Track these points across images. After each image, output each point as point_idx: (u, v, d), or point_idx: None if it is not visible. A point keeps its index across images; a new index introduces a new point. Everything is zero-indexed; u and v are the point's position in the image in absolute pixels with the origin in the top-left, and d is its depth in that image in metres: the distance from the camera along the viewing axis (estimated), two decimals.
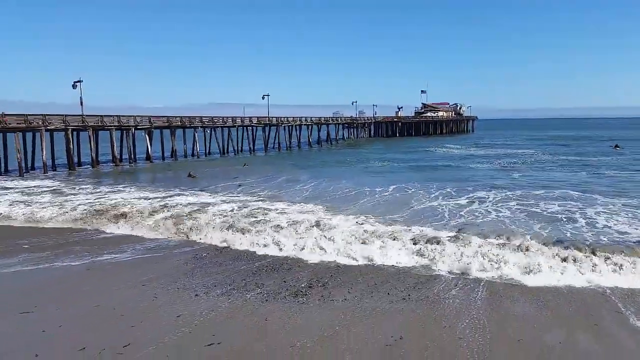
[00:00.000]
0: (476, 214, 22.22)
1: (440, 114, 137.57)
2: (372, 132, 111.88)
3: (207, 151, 67.26)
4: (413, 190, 30.18)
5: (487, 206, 23.88)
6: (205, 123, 65.67)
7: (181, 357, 9.38)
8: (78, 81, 53.06)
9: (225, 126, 69.17)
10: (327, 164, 52.81)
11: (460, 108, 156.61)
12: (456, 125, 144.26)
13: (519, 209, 22.96)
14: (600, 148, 69.37)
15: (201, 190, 31.48)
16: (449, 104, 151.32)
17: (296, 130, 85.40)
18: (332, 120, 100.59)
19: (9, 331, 10.74)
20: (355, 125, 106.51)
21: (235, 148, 71.02)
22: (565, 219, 20.45)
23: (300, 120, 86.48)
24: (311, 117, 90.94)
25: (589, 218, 20.55)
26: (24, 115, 44.70)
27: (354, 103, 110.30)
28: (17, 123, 43.91)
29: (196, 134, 64.48)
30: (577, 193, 27.24)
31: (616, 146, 74.42)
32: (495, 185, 31.63)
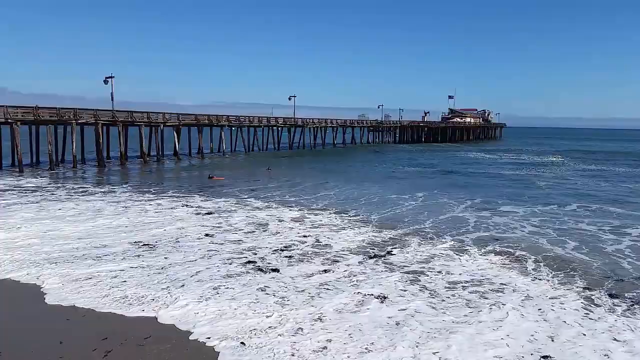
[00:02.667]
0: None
1: (468, 120, 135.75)
2: (398, 136, 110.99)
3: (233, 149, 67.87)
4: (465, 207, 29.72)
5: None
6: (232, 122, 66.16)
7: None
8: (110, 77, 53.96)
9: (252, 125, 69.60)
10: (354, 168, 52.51)
11: (488, 115, 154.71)
12: (484, 132, 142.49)
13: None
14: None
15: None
16: (476, 110, 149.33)
17: (321, 132, 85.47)
18: (357, 123, 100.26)
19: None
20: (380, 129, 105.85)
21: (260, 147, 71.44)
22: None
23: (325, 122, 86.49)
24: (337, 119, 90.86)
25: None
26: (56, 108, 45.61)
27: (380, 107, 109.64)
28: (50, 116, 44.85)
29: (222, 133, 65.01)
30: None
31: None
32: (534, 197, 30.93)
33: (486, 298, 12.65)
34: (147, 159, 53.13)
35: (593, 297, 12.82)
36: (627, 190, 35.99)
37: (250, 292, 12.85)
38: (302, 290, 13.03)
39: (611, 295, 12.97)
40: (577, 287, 13.66)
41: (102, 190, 32.17)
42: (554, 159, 71.81)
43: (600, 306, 12.15)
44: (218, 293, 12.74)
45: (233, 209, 25.65)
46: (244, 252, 17.10)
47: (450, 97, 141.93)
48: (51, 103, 49.85)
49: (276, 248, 17.60)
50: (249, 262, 15.76)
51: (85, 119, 47.32)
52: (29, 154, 47.60)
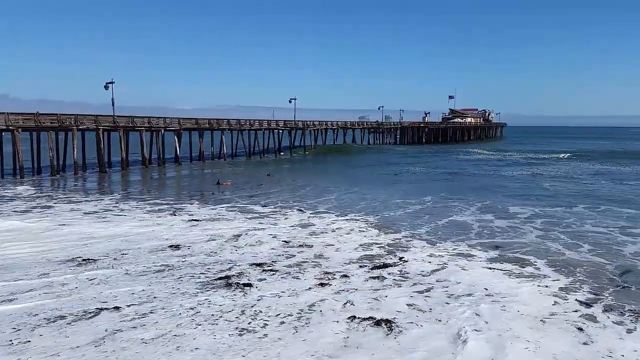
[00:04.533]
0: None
1: (469, 120, 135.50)
2: (399, 137, 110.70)
3: (234, 153, 67.58)
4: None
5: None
6: (233, 126, 65.90)
7: None
8: (110, 82, 53.71)
9: (252, 129, 69.31)
10: (356, 170, 52.26)
11: (488, 114, 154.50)
12: (484, 131, 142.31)
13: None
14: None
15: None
16: (477, 110, 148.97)
17: (322, 134, 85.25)
18: (357, 125, 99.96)
19: None
20: (381, 130, 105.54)
21: (261, 150, 71.20)
22: None
23: (326, 124, 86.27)
24: (337, 122, 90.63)
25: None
26: (56, 114, 45.38)
27: (381, 108, 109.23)
28: (51, 122, 44.60)
29: (223, 137, 64.73)
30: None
31: None
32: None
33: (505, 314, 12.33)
34: (148, 164, 52.91)
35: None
36: (633, 189, 35.71)
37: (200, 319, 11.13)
38: (280, 317, 11.24)
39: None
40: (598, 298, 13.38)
41: (86, 198, 31.08)
42: (560, 157, 71.68)
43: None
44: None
45: (228, 216, 25.27)
46: (218, 265, 15.77)
47: (450, 97, 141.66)
48: (53, 109, 49.46)
49: (260, 261, 16.12)
50: (220, 278, 14.34)
51: (86, 124, 47.10)
52: (30, 161, 47.33)
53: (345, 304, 12.35)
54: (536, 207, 27.29)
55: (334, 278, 14.49)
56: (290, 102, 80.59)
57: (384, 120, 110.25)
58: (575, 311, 12.04)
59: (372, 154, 77.49)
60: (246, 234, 20.54)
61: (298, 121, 78.93)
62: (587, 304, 12.52)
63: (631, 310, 12.06)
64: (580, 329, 10.90)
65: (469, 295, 13.10)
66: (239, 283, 13.96)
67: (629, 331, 10.89)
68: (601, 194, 33.52)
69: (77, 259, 16.29)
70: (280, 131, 75.87)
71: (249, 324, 11.07)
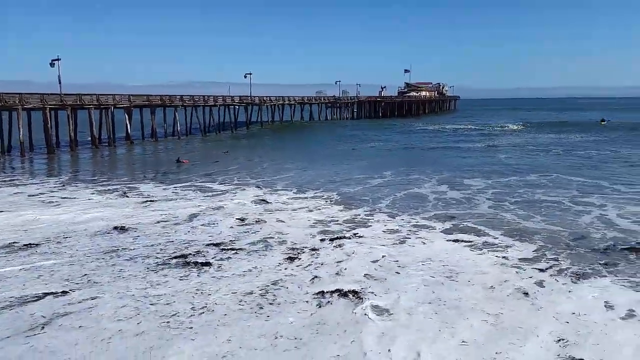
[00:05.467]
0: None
1: (424, 93, 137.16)
2: (356, 112, 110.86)
3: (189, 131, 65.78)
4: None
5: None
6: (186, 102, 63.96)
7: None
8: (56, 59, 50.62)
9: (207, 105, 67.54)
10: (314, 146, 51.99)
11: (442, 88, 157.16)
12: (439, 104, 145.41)
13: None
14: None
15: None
16: (431, 83, 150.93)
17: (279, 109, 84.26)
18: (315, 99, 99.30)
19: None
20: (338, 105, 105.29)
21: (217, 127, 69.62)
22: None
23: (283, 99, 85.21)
24: (294, 97, 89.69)
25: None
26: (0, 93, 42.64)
27: (338, 82, 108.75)
28: None
29: (177, 114, 62.76)
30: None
31: (602, 121, 78.06)
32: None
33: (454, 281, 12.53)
34: (99, 144, 50.75)
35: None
36: (584, 158, 37.14)
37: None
38: (240, 295, 11.06)
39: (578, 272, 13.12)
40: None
41: (32, 181, 29.41)
42: (512, 128, 73.92)
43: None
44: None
45: (184, 195, 24.60)
46: (173, 245, 15.30)
47: (406, 71, 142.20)
48: None
49: (219, 241, 15.73)
50: (176, 257, 14.02)
51: (32, 104, 44.46)
52: None
53: (312, 279, 12.33)
54: (490, 179, 27.87)
55: (297, 255, 14.33)
56: (245, 77, 78.90)
57: (341, 95, 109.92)
58: (527, 277, 12.40)
59: (330, 129, 77.33)
60: (203, 213, 20.02)
61: (254, 97, 77.53)
62: (539, 269, 12.98)
63: (574, 273, 12.69)
64: (526, 294, 11.34)
65: (423, 265, 13.27)
66: (197, 262, 13.60)
67: (570, 291, 11.45)
68: (551, 163, 34.71)
69: (15, 244, 15.38)
70: (237, 107, 74.37)
71: (206, 304, 10.76)
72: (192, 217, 19.37)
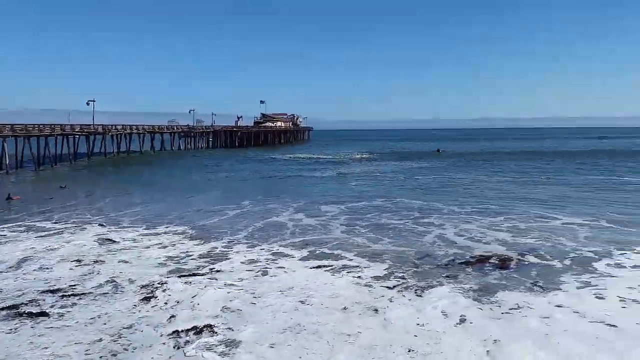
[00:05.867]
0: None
1: (279, 124, 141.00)
2: (211, 141, 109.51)
3: (19, 164, 58.53)
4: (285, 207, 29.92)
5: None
6: (18, 131, 57.10)
7: None
8: None
9: (42, 135, 61.09)
10: (166, 178, 49.89)
11: (297, 119, 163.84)
12: (294, 135, 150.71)
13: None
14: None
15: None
16: (287, 114, 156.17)
17: (126, 139, 79.46)
18: (167, 128, 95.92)
19: None
20: (192, 134, 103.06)
21: (53, 159, 63.14)
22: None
23: (130, 128, 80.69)
24: (143, 125, 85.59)
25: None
26: None
27: (192, 111, 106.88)
28: None
29: (5, 144, 55.50)
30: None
31: (437, 150, 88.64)
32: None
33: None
34: None
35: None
36: (423, 183, 41.23)
37: None
38: (86, 345, 10.43)
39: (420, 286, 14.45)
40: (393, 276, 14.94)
41: None
42: (360, 157, 79.32)
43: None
44: None
45: (13, 237, 21.78)
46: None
47: (262, 102, 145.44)
48: None
49: (57, 287, 14.15)
50: (5, 308, 12.27)
51: None
52: None
53: (170, 318, 11.67)
54: (343, 204, 29.46)
55: (152, 295, 13.45)
56: (88, 104, 73.41)
57: (195, 124, 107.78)
58: (378, 296, 13.32)
59: (184, 159, 75.10)
60: (36, 256, 17.83)
61: (97, 125, 72.23)
62: (388, 287, 14.05)
63: (418, 287, 13.98)
64: (376, 310, 12.19)
65: (283, 293, 13.48)
66: (31, 312, 12.03)
67: (414, 305, 12.61)
68: (395, 188, 37.95)
69: None
70: (77, 137, 68.46)
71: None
72: (23, 261, 17.15)
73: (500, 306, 12.38)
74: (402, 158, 75.13)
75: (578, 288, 13.84)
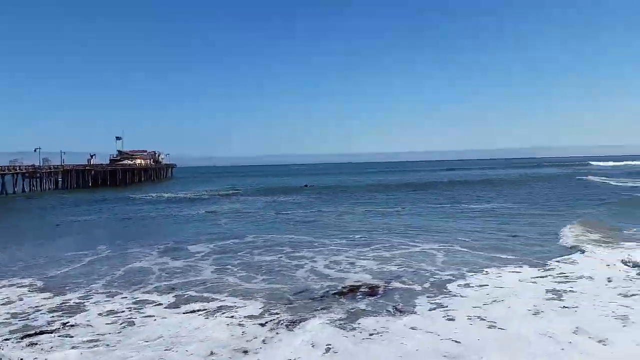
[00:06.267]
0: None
1: (138, 161, 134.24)
2: (61, 182, 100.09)
3: None
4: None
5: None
6: None
7: None
8: None
9: None
10: (8, 223, 44.20)
11: (158, 156, 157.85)
12: (155, 172, 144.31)
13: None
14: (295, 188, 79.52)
15: None
16: (147, 151, 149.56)
17: None
18: (8, 169, 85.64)
19: None
20: (39, 175, 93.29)
21: None
22: None
23: None
24: None
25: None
26: None
27: (38, 150, 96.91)
28: None
29: None
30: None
31: (305, 185, 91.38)
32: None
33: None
34: None
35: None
36: (293, 217, 41.93)
37: None
38: None
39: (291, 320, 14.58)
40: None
41: None
42: (228, 193, 78.27)
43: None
44: None
45: None
46: None
47: (118, 138, 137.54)
48: None
49: None
50: None
51: None
52: None
53: None
54: (212, 243, 28.74)
55: None
56: None
57: (42, 164, 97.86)
58: (251, 336, 13.07)
59: (26, 203, 67.43)
60: None
61: None
62: (260, 324, 13.93)
63: (290, 321, 14.08)
64: (246, 352, 11.97)
65: (146, 344, 12.63)
66: None
67: (283, 340, 12.64)
68: (265, 224, 38.14)
69: None
70: None
71: None
72: None
73: (361, 332, 13.05)
74: (270, 193, 75.98)
75: (430, 310, 15.05)
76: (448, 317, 14.11)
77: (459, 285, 17.80)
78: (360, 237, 29.76)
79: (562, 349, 11.31)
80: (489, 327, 13.05)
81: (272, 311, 15.27)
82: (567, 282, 17.65)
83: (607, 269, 19.34)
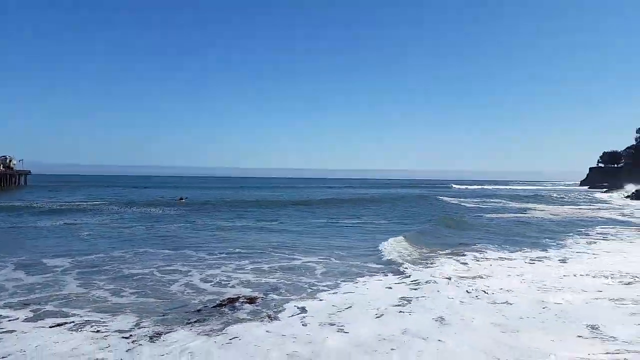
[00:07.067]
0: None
1: None
2: None
3: None
4: None
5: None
6: None
7: None
8: None
9: None
10: None
11: (10, 161, 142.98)
12: (6, 179, 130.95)
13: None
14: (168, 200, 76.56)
15: None
16: None
17: None
18: None
19: None
20: None
21: None
22: None
23: None
24: None
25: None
26: None
27: None
28: None
29: None
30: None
31: (180, 199, 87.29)
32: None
33: None
34: None
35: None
36: (167, 231, 40.52)
37: None
38: None
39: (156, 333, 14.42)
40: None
41: None
42: (92, 205, 72.96)
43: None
44: None
45: None
46: None
47: None
48: None
49: None
50: None
51: None
52: None
53: None
54: (74, 257, 26.92)
55: None
56: None
57: None
58: (112, 349, 12.76)
59: None
60: None
61: None
62: (125, 337, 13.66)
63: (157, 332, 14.13)
64: None
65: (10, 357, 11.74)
66: None
67: (143, 347, 12.88)
68: (136, 238, 36.34)
69: None
70: None
71: None
72: None
73: (225, 337, 13.68)
74: (143, 206, 72.44)
75: (291, 316, 16.03)
76: (304, 324, 15.16)
77: (331, 294, 19.01)
78: (240, 250, 29.92)
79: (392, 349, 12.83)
80: (337, 331, 14.38)
81: (142, 325, 14.91)
82: (416, 288, 19.59)
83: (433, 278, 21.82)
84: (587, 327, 14.54)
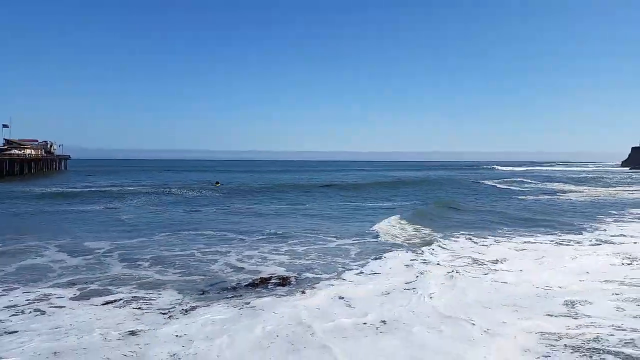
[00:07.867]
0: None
1: (28, 151, 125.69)
2: None
3: None
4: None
5: None
6: None
7: None
8: None
9: None
10: None
11: (51, 146, 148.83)
12: (47, 164, 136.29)
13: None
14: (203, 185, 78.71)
15: None
16: (37, 141, 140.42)
17: None
18: None
19: None
20: None
21: None
22: None
23: None
24: None
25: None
26: None
27: None
28: None
29: None
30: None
31: (217, 183, 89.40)
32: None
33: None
34: None
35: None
36: (205, 214, 42.06)
37: None
38: None
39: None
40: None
41: None
42: (134, 189, 75.78)
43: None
44: None
45: None
46: None
47: (5, 126, 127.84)
48: None
49: None
50: None
51: None
52: None
53: None
54: (115, 240, 28.38)
55: None
56: None
57: None
58: (150, 322, 13.98)
59: None
60: None
61: None
62: (162, 312, 14.90)
63: (192, 307, 15.37)
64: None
65: (47, 332, 13.03)
66: None
67: (179, 320, 14.12)
68: (175, 220, 38.01)
69: None
70: None
71: None
72: None
73: (251, 310, 14.92)
74: (179, 189, 74.61)
75: (321, 289, 17.33)
76: (313, 295, 16.52)
77: (358, 273, 20.25)
78: (275, 233, 30.97)
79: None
80: (346, 305, 15.52)
81: (183, 300, 16.09)
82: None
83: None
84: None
